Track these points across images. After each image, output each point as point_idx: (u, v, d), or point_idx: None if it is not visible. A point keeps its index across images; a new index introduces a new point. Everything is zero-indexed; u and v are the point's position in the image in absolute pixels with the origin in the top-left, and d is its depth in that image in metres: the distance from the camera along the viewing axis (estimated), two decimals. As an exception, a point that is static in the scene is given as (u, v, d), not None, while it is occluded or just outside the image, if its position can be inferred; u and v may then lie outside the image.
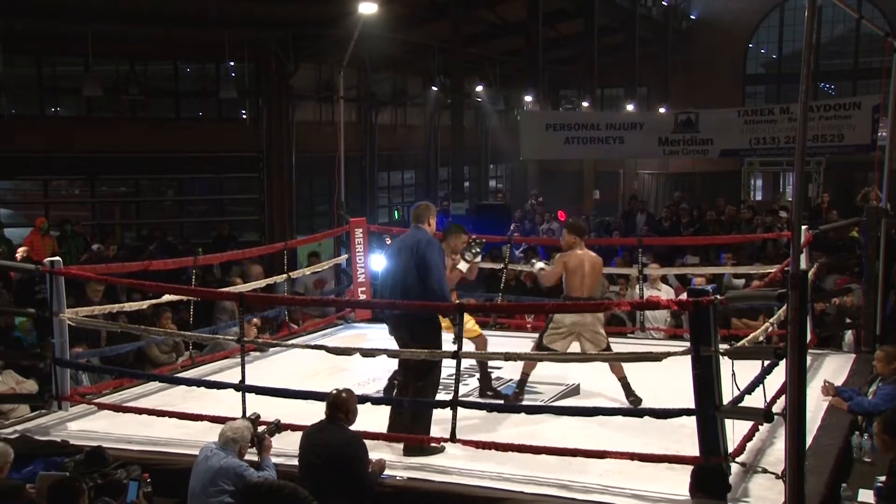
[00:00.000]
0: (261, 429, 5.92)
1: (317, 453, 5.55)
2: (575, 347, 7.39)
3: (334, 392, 5.83)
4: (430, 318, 6.59)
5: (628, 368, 7.40)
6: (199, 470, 5.51)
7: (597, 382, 7.82)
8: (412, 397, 6.47)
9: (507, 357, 7.03)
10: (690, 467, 5.44)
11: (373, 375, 8.03)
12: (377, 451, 5.98)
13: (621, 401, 7.20)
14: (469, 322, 7.51)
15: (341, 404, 5.69)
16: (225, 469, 5.43)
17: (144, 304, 8.55)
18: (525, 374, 7.53)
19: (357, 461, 5.53)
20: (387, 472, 5.84)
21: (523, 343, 8.39)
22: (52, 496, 5.05)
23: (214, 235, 18.06)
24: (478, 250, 7.50)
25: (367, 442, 5.76)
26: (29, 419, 7.24)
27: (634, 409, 6.55)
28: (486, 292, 10.94)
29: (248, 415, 6.20)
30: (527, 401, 7.38)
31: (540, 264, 7.87)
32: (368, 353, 6.72)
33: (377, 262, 10.47)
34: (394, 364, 7.65)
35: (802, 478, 4.91)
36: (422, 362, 6.43)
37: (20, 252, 13.47)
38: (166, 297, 8.41)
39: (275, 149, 20.88)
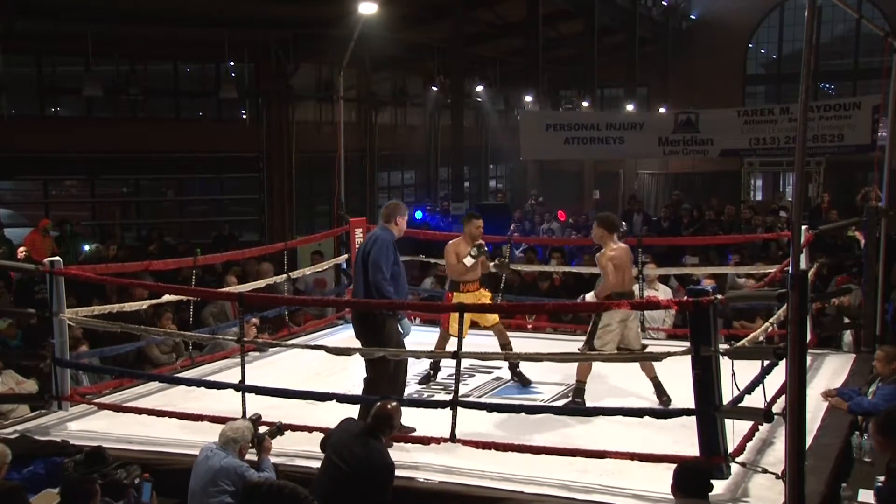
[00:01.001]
0: (262, 430, 5.92)
1: (346, 461, 5.39)
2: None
3: (380, 402, 5.71)
4: (369, 313, 6.72)
5: (630, 369, 7.41)
6: (200, 470, 5.51)
7: (597, 382, 7.82)
8: (365, 391, 6.62)
9: (508, 357, 7.04)
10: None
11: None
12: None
13: (621, 401, 7.19)
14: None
15: (388, 417, 5.55)
16: (225, 469, 5.43)
17: (144, 304, 8.54)
18: (581, 382, 7.27)
19: (383, 491, 5.41)
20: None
21: (524, 343, 8.38)
22: (65, 496, 5.08)
23: (215, 236, 18.06)
24: (484, 249, 7.96)
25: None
26: (29, 419, 7.24)
27: (635, 409, 6.54)
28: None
29: (249, 415, 6.20)
30: (526, 401, 7.37)
31: (590, 294, 7.56)
32: (368, 353, 6.72)
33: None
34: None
35: (802, 478, 4.91)
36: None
37: (21, 252, 13.47)
38: (166, 297, 8.42)
39: (275, 149, 20.89)
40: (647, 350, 7.45)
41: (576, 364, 7.44)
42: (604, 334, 7.08)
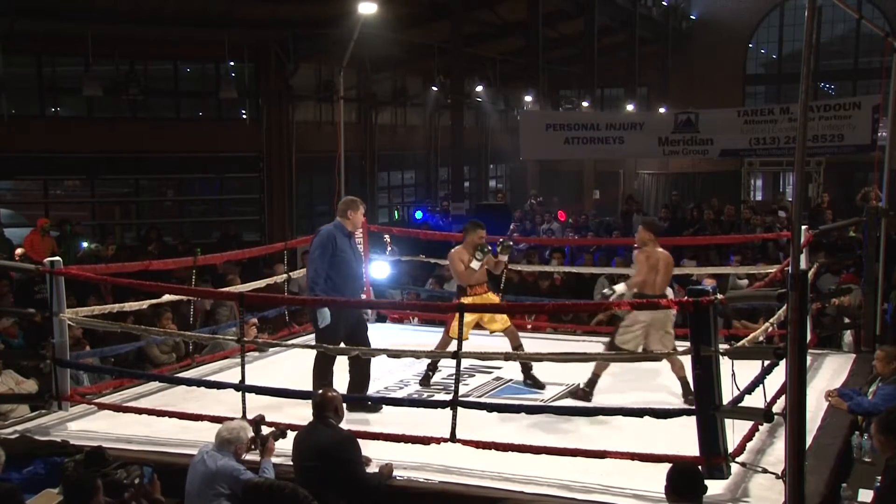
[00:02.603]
0: (266, 431, 5.95)
1: (308, 456, 5.55)
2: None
3: (319, 392, 5.94)
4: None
5: (631, 369, 7.41)
6: (196, 471, 5.51)
7: (599, 383, 7.81)
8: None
9: (507, 357, 7.03)
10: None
11: (373, 375, 8.02)
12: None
13: (622, 401, 7.18)
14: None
15: (328, 403, 5.72)
16: (221, 472, 5.42)
17: (145, 304, 8.52)
18: (596, 375, 7.46)
19: (349, 462, 5.52)
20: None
21: (525, 343, 8.36)
22: (67, 494, 5.08)
23: (219, 236, 18.05)
24: (487, 249, 7.91)
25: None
26: (29, 419, 7.24)
27: (635, 409, 6.54)
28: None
29: (253, 417, 6.18)
30: (527, 401, 7.37)
31: (621, 285, 7.67)
32: (369, 353, 6.73)
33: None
34: (398, 364, 7.86)
35: (802, 478, 4.91)
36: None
37: (18, 253, 13.46)
38: (166, 297, 8.40)
39: (275, 149, 20.89)
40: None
41: (578, 364, 7.44)
42: (625, 332, 7.29)
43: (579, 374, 7.85)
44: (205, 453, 5.55)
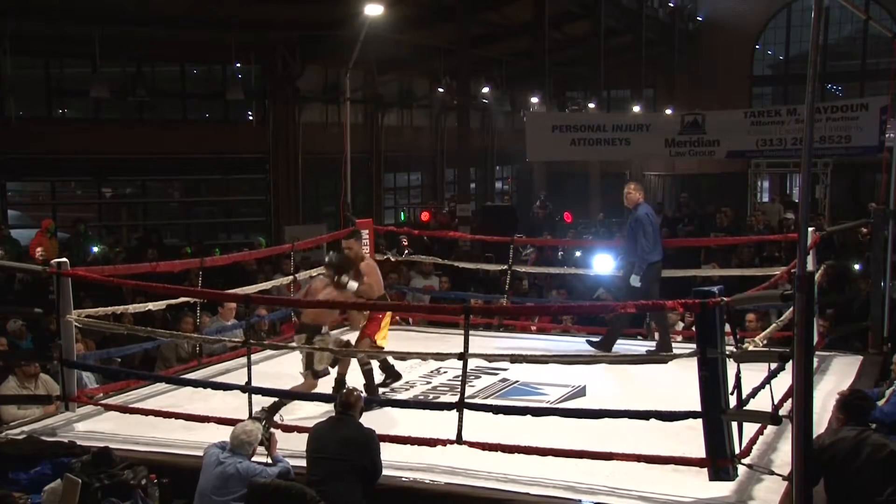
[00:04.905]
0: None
1: (329, 448, 5.61)
2: None
3: (345, 391, 6.08)
4: None
5: (635, 371, 7.39)
6: (211, 472, 5.49)
7: (603, 384, 7.81)
8: None
9: (514, 360, 7.02)
10: (696, 469, 5.44)
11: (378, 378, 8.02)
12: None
13: (627, 403, 7.15)
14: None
15: (354, 402, 5.86)
16: (242, 474, 5.42)
17: (149, 305, 8.51)
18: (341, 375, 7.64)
19: (375, 451, 5.68)
20: (394, 472, 5.86)
21: (530, 344, 8.37)
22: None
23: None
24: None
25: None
26: (37, 420, 7.26)
27: (641, 411, 6.52)
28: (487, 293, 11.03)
29: (255, 412, 6.22)
30: (533, 402, 7.36)
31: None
32: (375, 355, 6.73)
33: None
34: (404, 366, 7.86)
35: (810, 479, 4.89)
36: None
37: (38, 253, 13.38)
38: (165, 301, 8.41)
39: (281, 150, 20.92)
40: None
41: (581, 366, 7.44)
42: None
43: (584, 375, 7.86)
44: (220, 454, 5.55)
